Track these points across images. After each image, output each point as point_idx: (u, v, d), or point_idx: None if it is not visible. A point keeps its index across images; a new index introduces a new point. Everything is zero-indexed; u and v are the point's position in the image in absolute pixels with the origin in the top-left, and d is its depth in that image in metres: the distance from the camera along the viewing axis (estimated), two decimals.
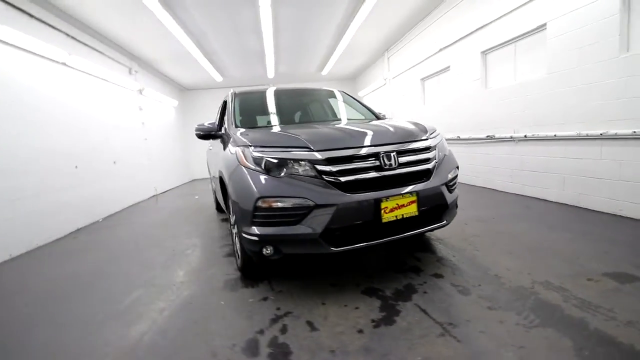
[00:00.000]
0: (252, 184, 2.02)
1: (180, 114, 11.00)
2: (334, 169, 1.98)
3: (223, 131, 3.04)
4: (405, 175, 2.12)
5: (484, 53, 4.98)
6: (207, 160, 5.15)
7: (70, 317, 2.11)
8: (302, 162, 2.00)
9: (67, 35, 5.01)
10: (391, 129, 2.33)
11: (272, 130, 2.56)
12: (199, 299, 2.22)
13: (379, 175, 2.04)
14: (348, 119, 3.44)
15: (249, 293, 2.25)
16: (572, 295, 1.87)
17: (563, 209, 3.62)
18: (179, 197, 7.56)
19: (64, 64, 4.84)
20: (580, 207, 3.56)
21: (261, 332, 1.78)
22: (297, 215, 1.94)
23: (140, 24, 5.56)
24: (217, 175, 3.20)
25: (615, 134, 3.07)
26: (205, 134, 3.07)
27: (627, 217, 3.10)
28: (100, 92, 5.92)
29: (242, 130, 2.67)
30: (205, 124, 3.09)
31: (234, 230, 2.61)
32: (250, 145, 2.15)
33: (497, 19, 4.52)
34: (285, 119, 3.38)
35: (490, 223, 3.33)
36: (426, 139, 2.33)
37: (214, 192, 4.86)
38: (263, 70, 9.47)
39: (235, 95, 3.37)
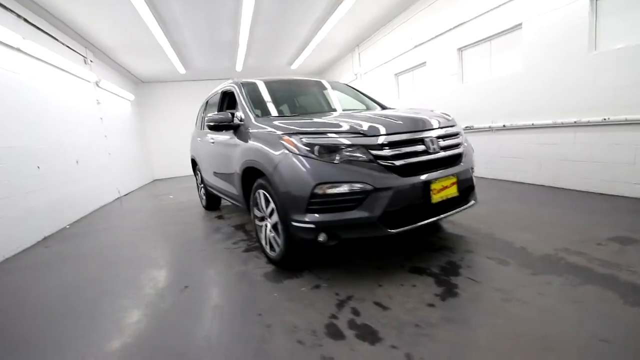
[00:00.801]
0: (307, 171, 1.99)
1: (137, 108, 10.12)
2: (389, 153, 2.04)
3: (237, 122, 2.91)
4: (445, 159, 2.25)
5: (460, 50, 5.38)
6: (194, 158, 4.85)
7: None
8: (358, 147, 2.02)
9: (19, 16, 4.35)
10: (426, 115, 2.44)
11: (313, 119, 2.51)
12: (251, 294, 2.13)
13: (427, 159, 2.14)
14: (363, 109, 3.49)
15: (297, 283, 2.22)
16: (592, 257, 2.16)
17: (542, 190, 4.09)
18: (150, 198, 7.00)
19: (18, 49, 4.20)
20: (557, 187, 4.06)
21: (334, 316, 1.78)
22: (355, 200, 1.96)
23: (104, 7, 5.01)
24: (229, 171, 3.06)
25: (588, 121, 3.55)
26: (218, 125, 2.92)
27: (599, 193, 3.61)
28: (58, 84, 5.24)
29: (274, 119, 2.62)
30: (216, 114, 2.93)
31: (263, 223, 2.55)
32: (298, 133, 2.11)
33: (474, 18, 4.91)
34: (300, 110, 3.36)
35: (489, 204, 3.65)
36: (455, 125, 2.49)
37: (205, 189, 4.61)
38: (231, 63, 9.11)
39: (242, 85, 3.24)
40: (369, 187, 1.95)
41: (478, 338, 1.50)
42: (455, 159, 2.35)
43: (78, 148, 5.61)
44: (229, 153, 3.03)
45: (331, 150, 2.02)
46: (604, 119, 3.40)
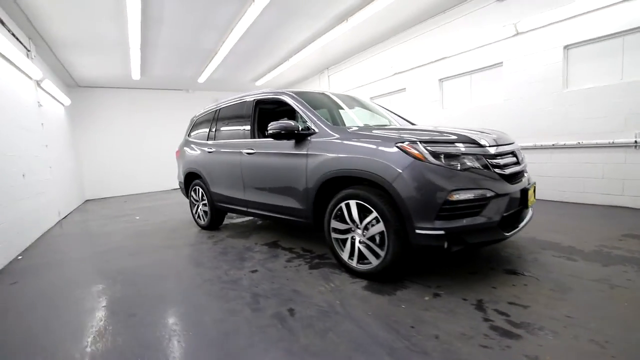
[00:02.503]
0: (440, 178, 2.04)
1: (71, 116, 8.58)
2: (500, 162, 2.22)
3: (306, 131, 2.79)
4: (523, 170, 2.55)
5: (441, 80, 6.10)
6: (195, 171, 4.34)
7: None
8: (476, 156, 2.16)
9: None
10: (499, 131, 2.73)
11: (410, 128, 2.57)
12: (380, 311, 2.01)
13: (519, 169, 2.39)
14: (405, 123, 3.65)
15: (411, 293, 2.17)
16: (628, 249, 2.66)
17: None
18: (108, 220, 5.89)
19: None
20: (537, 199, 4.83)
21: (487, 319, 1.81)
22: (480, 205, 2.08)
23: None
24: (290, 184, 2.87)
25: (564, 144, 4.38)
26: (285, 133, 2.77)
27: (572, 203, 4.43)
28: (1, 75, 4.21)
29: (364, 128, 2.61)
30: (284, 123, 2.76)
31: (348, 235, 2.47)
32: (422, 142, 2.15)
33: (456, 55, 5.67)
34: (347, 122, 3.39)
35: None
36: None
37: (212, 205, 4.14)
38: (196, 73, 8.54)
39: (298, 95, 3.14)
40: (491, 194, 2.10)
41: (627, 313, 1.71)
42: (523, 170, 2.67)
43: (24, 159, 4.50)
44: (292, 165, 2.85)
45: (454, 158, 2.12)
46: (578, 143, 4.26)
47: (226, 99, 4.18)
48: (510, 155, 2.37)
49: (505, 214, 2.17)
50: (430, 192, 2.04)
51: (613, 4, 3.77)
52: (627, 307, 1.85)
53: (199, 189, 4.37)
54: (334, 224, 2.57)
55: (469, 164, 2.13)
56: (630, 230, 3.16)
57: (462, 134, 2.26)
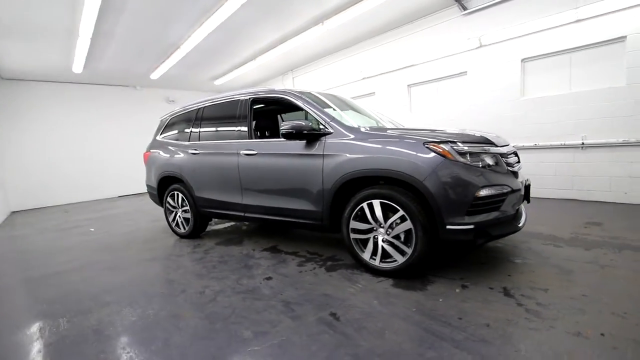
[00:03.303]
0: (470, 175, 2.16)
1: None
2: (511, 160, 2.43)
3: (320, 131, 2.74)
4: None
5: (410, 86, 6.46)
6: (175, 175, 3.95)
7: None
8: (494, 155, 2.33)
9: None
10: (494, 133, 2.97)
11: (426, 128, 2.65)
12: (424, 308, 2.04)
13: (520, 166, 2.64)
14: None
15: (440, 287, 2.26)
16: (596, 235, 3.10)
17: None
18: (56, 233, 5.06)
19: None
20: None
21: (521, 304, 1.97)
22: (501, 200, 2.25)
23: None
24: (304, 185, 2.78)
25: (523, 146, 4.95)
26: (298, 133, 2.69)
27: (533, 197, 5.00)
28: None
29: (380, 129, 2.63)
30: (300, 122, 2.68)
31: (370, 235, 2.49)
32: (447, 141, 2.25)
33: (423, 63, 6.06)
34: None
35: None
36: None
37: (196, 211, 3.81)
38: (148, 68, 7.84)
39: (304, 94, 3.06)
40: (508, 189, 2.29)
41: (627, 287, 2.00)
42: None
43: None
44: (306, 166, 2.77)
45: (477, 156, 2.27)
46: (535, 144, 4.85)
47: (209, 97, 3.91)
48: (513, 154, 2.61)
49: (517, 207, 2.38)
50: (462, 189, 2.15)
51: (562, 24, 4.39)
52: (625, 283, 2.15)
53: (177, 195, 4.00)
54: (354, 224, 2.56)
55: (489, 162, 2.29)
56: (589, 218, 3.70)
57: (480, 134, 2.43)
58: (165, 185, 4.22)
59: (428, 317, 1.89)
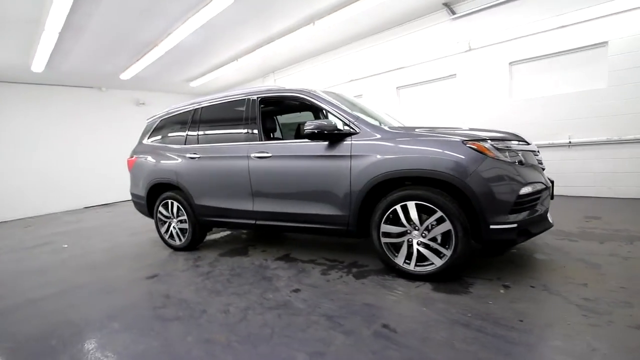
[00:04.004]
0: (514, 173, 2.14)
1: None
2: (540, 158, 2.45)
3: (343, 131, 2.61)
4: None
5: (399, 88, 6.52)
6: (171, 182, 3.60)
7: None
8: (527, 153, 2.33)
9: None
10: None
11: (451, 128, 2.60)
12: (480, 312, 1.96)
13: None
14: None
15: (482, 289, 2.20)
16: (602, 228, 3.24)
17: None
18: (20, 253, 4.42)
19: None
20: None
21: (570, 301, 1.95)
22: (538, 197, 2.26)
23: None
24: (329, 188, 2.62)
25: None
26: (324, 134, 2.54)
27: None
28: None
29: (409, 128, 2.54)
30: (324, 122, 2.53)
31: (403, 238, 2.38)
32: (485, 139, 2.21)
33: (413, 65, 6.14)
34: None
35: None
36: None
37: (195, 220, 3.49)
38: (120, 68, 7.24)
39: (327, 93, 2.94)
40: (542, 186, 2.30)
41: None
42: None
43: None
44: (331, 168, 2.61)
45: (515, 154, 2.25)
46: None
47: (205, 97, 3.63)
48: (537, 152, 2.64)
49: (547, 205, 2.40)
50: (506, 187, 2.12)
51: (548, 30, 4.63)
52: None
53: (172, 204, 3.65)
54: (385, 227, 2.45)
55: (526, 159, 2.29)
56: (586, 213, 3.89)
57: (510, 132, 2.43)
58: (156, 194, 3.84)
59: (489, 322, 1.81)
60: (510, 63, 5.09)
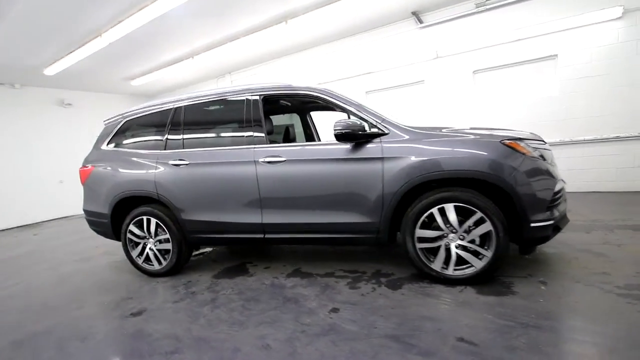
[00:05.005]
0: (550, 171, 2.21)
1: None
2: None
3: (369, 132, 2.44)
4: None
5: (368, 92, 6.59)
6: (151, 194, 2.99)
7: None
8: (548, 152, 2.43)
9: None
10: None
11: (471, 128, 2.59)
12: (542, 313, 1.93)
13: None
14: None
15: (526, 288, 2.21)
16: (603, 223, 3.59)
17: None
18: None
19: None
20: None
21: (607, 291, 2.06)
22: (563, 194, 2.36)
23: None
24: (361, 191, 2.42)
25: None
26: (350, 134, 2.36)
27: None
28: None
29: (433, 128, 2.46)
30: (354, 121, 2.34)
31: (440, 242, 2.30)
32: (520, 139, 2.24)
33: (382, 71, 6.26)
34: None
35: None
36: None
37: (183, 240, 2.97)
38: (45, 61, 6.04)
39: (331, 91, 2.73)
40: (565, 183, 2.42)
41: None
42: None
43: None
44: (361, 172, 2.41)
45: (544, 153, 2.32)
46: None
47: (186, 94, 3.14)
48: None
49: None
50: (545, 185, 2.17)
51: (507, 42, 5.10)
52: None
53: (149, 221, 3.05)
54: (420, 232, 2.34)
55: (552, 158, 2.39)
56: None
57: (530, 132, 2.52)
58: (124, 210, 3.17)
59: (556, 321, 1.81)
60: (474, 71, 5.49)
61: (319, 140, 4.22)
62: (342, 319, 2.04)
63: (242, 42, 6.04)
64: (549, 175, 2.21)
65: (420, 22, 5.68)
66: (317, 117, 4.20)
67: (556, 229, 2.27)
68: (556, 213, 2.23)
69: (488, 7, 5.09)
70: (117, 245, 3.86)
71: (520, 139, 2.25)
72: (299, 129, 4.22)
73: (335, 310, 2.17)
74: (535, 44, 4.92)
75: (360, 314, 2.08)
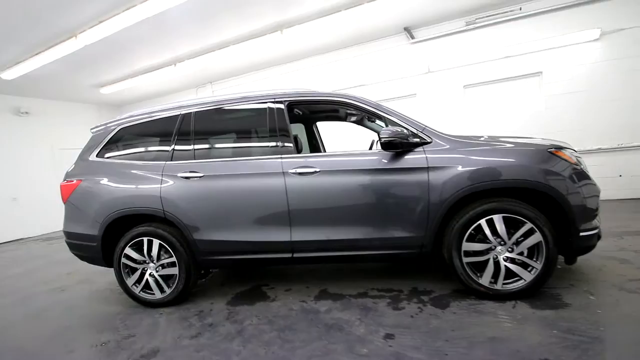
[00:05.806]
0: (593, 179, 2.20)
1: None
2: None
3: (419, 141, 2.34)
4: None
5: None
6: (155, 212, 2.61)
7: None
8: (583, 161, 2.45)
9: None
10: None
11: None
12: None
13: None
14: None
15: (575, 299, 2.16)
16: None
17: None
18: None
19: None
20: None
21: None
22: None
23: None
24: (403, 208, 2.30)
25: None
26: (396, 143, 2.22)
27: None
28: None
29: (468, 137, 2.39)
30: (400, 131, 2.21)
31: (489, 255, 2.20)
32: (562, 147, 2.23)
33: (374, 83, 6.30)
34: None
35: None
36: None
37: (192, 261, 2.61)
38: (3, 65, 5.30)
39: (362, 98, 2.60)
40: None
41: None
42: None
43: None
44: (404, 183, 2.28)
45: (579, 161, 2.34)
46: None
47: (196, 100, 2.85)
48: None
49: None
50: (593, 192, 2.17)
51: (496, 59, 5.35)
52: None
53: (150, 242, 2.64)
54: (468, 245, 2.22)
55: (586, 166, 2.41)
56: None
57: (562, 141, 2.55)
58: (119, 231, 2.74)
59: (633, 335, 1.73)
60: (464, 86, 5.69)
61: (325, 150, 4.08)
62: (404, 347, 1.84)
63: (231, 50, 5.77)
64: (593, 184, 2.22)
65: (412, 37, 5.81)
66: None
67: (599, 237, 2.27)
68: (599, 222, 2.24)
69: (477, 25, 5.34)
70: (95, 270, 3.42)
71: (564, 148, 2.25)
72: (303, 139, 4.03)
73: (390, 336, 1.96)
74: (522, 61, 5.21)
75: (420, 340, 1.89)
